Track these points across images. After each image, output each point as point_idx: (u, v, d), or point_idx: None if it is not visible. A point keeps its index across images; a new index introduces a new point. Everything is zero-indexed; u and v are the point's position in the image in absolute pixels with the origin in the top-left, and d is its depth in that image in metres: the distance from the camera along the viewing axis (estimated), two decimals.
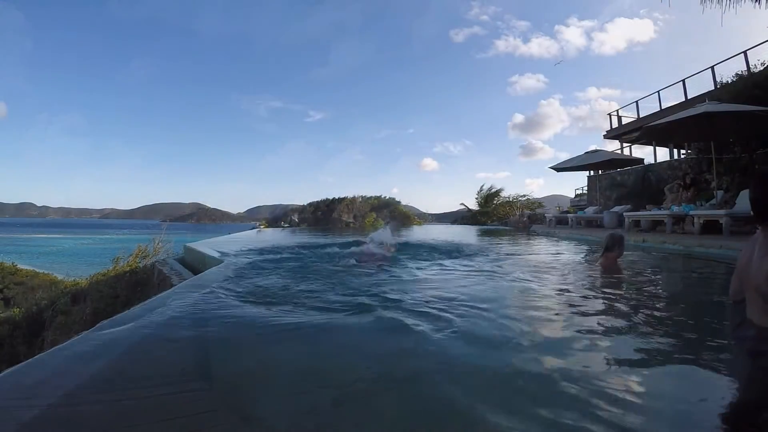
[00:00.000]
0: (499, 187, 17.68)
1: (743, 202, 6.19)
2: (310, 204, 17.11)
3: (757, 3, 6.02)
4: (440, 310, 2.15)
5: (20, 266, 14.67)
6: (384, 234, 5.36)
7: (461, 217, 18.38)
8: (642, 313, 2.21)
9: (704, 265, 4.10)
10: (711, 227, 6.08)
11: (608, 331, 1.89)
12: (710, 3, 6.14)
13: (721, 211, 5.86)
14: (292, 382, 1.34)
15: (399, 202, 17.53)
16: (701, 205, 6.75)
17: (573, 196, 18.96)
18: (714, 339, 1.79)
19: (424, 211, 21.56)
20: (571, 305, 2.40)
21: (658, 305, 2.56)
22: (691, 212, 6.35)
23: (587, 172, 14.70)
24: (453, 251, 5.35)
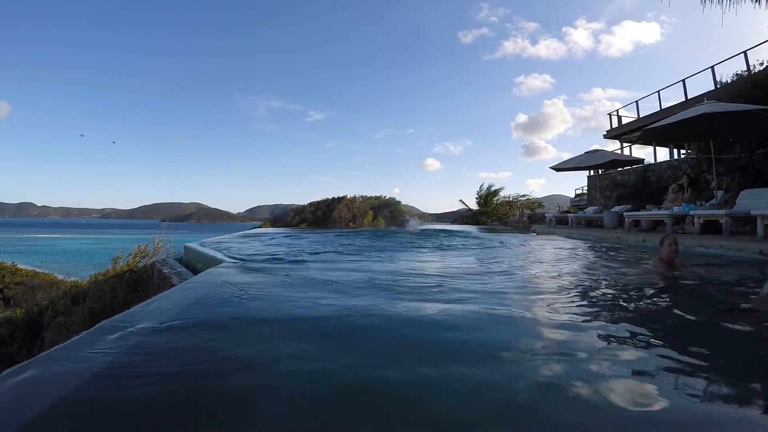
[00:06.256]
0: (498, 187, 17.69)
1: (743, 202, 6.19)
2: (310, 204, 17.14)
3: (757, 3, 6.01)
4: None
5: (20, 266, 14.70)
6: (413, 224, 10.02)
7: (461, 217, 18.37)
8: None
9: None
10: (711, 227, 6.08)
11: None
12: (710, 3, 6.13)
13: (721, 211, 5.85)
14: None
15: (399, 201, 17.58)
16: (701, 205, 6.74)
17: (573, 195, 18.96)
18: None
19: (425, 210, 21.67)
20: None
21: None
22: (691, 212, 6.34)
23: (587, 172, 14.70)
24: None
